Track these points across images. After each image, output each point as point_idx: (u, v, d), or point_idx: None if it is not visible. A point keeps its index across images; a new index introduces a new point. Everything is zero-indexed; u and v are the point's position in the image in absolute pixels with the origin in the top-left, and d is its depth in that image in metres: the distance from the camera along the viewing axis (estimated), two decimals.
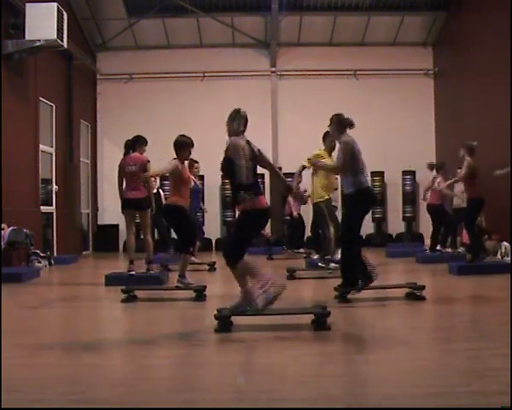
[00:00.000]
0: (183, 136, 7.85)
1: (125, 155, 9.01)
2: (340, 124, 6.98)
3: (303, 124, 16.88)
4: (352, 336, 5.18)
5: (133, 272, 8.67)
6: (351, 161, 6.64)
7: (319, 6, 16.54)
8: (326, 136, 9.32)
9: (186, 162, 7.98)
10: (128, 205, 8.86)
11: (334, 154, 8.65)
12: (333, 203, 9.92)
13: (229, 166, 5.47)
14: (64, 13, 11.83)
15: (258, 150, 5.63)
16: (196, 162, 11.05)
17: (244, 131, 5.67)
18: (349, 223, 6.76)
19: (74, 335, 5.41)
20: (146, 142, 9.21)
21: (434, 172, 12.10)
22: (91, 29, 16.75)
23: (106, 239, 16.62)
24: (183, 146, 7.68)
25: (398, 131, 16.96)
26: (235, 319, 5.23)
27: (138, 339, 5.18)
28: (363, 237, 15.91)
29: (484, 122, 13.72)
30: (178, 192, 7.51)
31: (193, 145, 7.87)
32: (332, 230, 9.24)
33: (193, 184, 10.69)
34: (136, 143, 9.02)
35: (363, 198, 6.71)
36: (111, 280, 8.47)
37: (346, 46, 17.18)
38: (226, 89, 17.01)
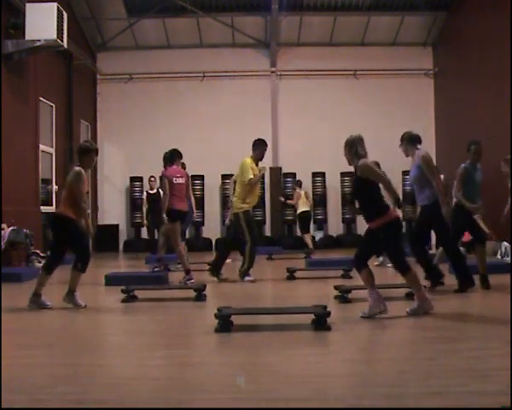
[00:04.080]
0: (87, 141, 7.43)
1: (165, 166, 9.20)
2: (413, 139, 7.58)
3: (303, 124, 16.90)
4: (352, 336, 5.18)
5: (193, 280, 8.54)
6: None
7: (319, 6, 16.55)
8: (255, 144, 9.02)
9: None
10: (179, 217, 8.91)
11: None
12: None
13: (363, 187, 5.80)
14: (64, 13, 11.83)
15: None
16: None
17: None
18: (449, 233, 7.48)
19: (74, 335, 5.41)
20: (181, 156, 9.37)
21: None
22: (91, 29, 16.75)
23: (106, 239, 16.61)
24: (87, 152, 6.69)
25: (398, 131, 16.90)
26: (235, 319, 5.23)
27: (138, 339, 5.18)
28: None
29: (484, 122, 13.72)
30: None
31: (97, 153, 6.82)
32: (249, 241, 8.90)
33: None
34: (175, 156, 9.17)
35: (439, 209, 7.16)
36: (111, 280, 8.47)
37: (346, 46, 17.19)
38: (226, 89, 17.03)
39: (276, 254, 13.35)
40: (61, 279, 10.65)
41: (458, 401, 3.18)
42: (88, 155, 6.62)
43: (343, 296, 6.63)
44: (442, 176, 12.28)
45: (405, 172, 16.99)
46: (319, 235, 16.88)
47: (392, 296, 6.91)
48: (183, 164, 10.99)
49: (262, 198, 14.09)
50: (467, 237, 12.60)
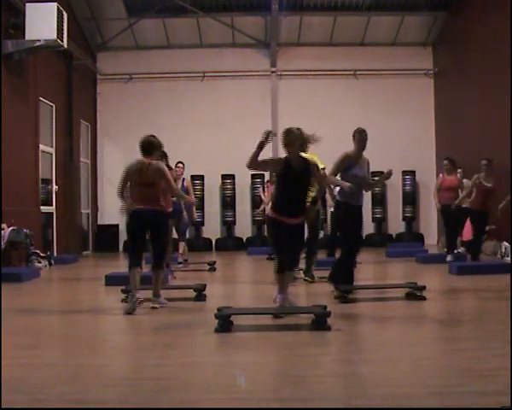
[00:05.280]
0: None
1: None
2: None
3: (303, 124, 16.74)
4: (352, 336, 5.18)
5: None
6: None
7: (319, 6, 16.54)
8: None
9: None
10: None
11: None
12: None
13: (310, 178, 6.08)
14: (64, 13, 11.82)
15: None
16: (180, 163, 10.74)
17: None
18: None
19: (74, 335, 5.41)
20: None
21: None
22: (91, 29, 16.75)
23: (106, 239, 16.62)
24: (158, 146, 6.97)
25: (398, 131, 16.97)
26: (235, 319, 5.24)
27: (138, 339, 5.18)
28: (364, 236, 15.95)
29: (484, 122, 13.72)
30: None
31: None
32: None
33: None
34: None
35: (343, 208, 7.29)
36: (111, 280, 8.47)
37: (346, 46, 17.17)
38: (226, 89, 17.02)
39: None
40: (60, 276, 10.70)
41: (458, 401, 3.18)
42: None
43: (343, 296, 6.62)
44: (460, 169, 12.04)
45: (405, 172, 17.01)
46: (319, 235, 16.87)
47: (393, 296, 6.92)
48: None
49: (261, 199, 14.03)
50: (466, 236, 12.62)
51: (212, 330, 5.06)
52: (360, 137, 7.11)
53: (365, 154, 7.26)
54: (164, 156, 9.40)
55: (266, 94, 17.14)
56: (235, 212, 16.82)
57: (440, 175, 11.23)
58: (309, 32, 17.05)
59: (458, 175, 11.37)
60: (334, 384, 3.63)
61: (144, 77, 17.06)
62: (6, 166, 10.85)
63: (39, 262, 11.36)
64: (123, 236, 16.99)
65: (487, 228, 11.71)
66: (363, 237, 7.52)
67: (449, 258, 10.30)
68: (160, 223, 6.67)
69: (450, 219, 10.68)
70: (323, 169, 8.18)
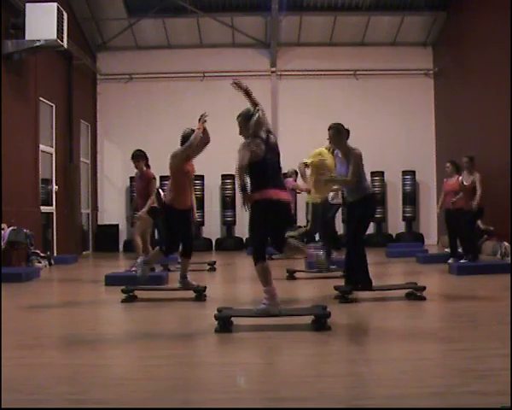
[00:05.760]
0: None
1: (147, 166, 9.75)
2: (345, 133, 7.05)
3: (303, 124, 16.88)
4: (352, 336, 5.18)
5: (134, 268, 8.76)
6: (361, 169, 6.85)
7: (319, 6, 16.54)
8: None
9: None
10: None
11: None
12: (335, 201, 9.82)
13: None
14: (64, 13, 11.83)
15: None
16: None
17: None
18: (358, 228, 6.92)
19: (74, 335, 5.41)
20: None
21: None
22: (91, 29, 16.75)
23: (106, 239, 16.62)
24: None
25: (398, 131, 16.98)
26: (236, 319, 5.24)
27: (138, 339, 5.18)
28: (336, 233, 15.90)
29: (484, 122, 13.72)
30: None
31: None
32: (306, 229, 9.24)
33: None
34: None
35: (371, 203, 7.08)
36: (111, 280, 8.48)
37: (346, 46, 17.18)
38: (226, 89, 16.87)
39: (276, 255, 13.32)
40: (59, 277, 10.70)
41: (458, 401, 3.18)
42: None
43: (343, 296, 6.62)
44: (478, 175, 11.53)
45: (405, 172, 17.01)
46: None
47: (393, 297, 6.92)
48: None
49: None
50: None
51: (212, 330, 5.06)
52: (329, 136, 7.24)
53: (366, 152, 7.18)
54: (142, 157, 9.52)
55: (266, 94, 17.11)
56: (235, 212, 16.81)
57: (444, 180, 11.11)
58: (309, 32, 17.04)
59: (460, 177, 11.26)
60: (334, 384, 3.63)
61: (144, 77, 17.06)
62: (6, 166, 10.85)
63: (39, 262, 11.37)
64: (123, 236, 17.02)
65: (482, 227, 11.71)
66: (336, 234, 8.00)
67: (450, 260, 10.25)
68: (164, 214, 7.29)
69: (451, 222, 10.59)
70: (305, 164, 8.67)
